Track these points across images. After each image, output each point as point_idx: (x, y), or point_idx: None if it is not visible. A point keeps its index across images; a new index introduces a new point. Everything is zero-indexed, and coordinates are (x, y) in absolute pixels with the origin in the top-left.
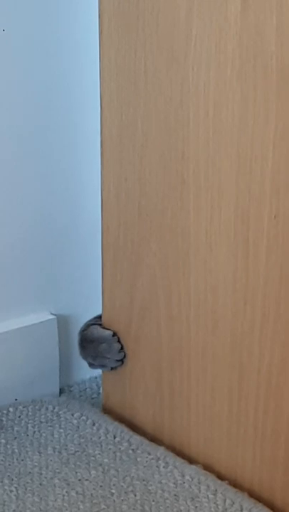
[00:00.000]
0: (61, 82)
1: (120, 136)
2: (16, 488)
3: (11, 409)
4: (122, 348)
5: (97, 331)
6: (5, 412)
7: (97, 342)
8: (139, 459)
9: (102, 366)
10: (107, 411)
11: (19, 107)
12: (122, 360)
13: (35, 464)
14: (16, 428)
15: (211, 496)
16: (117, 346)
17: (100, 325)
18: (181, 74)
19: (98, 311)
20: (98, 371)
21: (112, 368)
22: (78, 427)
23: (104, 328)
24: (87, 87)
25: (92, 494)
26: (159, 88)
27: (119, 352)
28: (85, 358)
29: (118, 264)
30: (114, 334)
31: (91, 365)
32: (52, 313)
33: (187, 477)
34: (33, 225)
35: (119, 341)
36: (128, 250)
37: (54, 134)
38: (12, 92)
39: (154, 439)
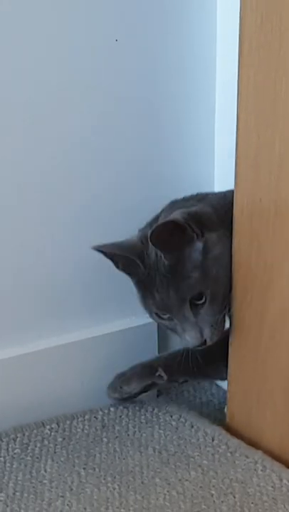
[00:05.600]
0: (192, 99)
1: (256, 157)
2: (118, 485)
3: (112, 409)
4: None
5: None
6: (106, 411)
7: None
8: (237, 462)
9: None
10: (231, 430)
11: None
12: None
13: (137, 463)
14: (117, 428)
15: None
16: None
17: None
18: None
19: None
20: None
21: None
22: (177, 429)
23: None
24: (220, 103)
25: (192, 494)
26: None
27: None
28: None
29: (249, 284)
30: None
31: None
32: None
33: (285, 481)
34: None
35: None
36: (260, 271)
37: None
38: (124, 109)
39: (281, 461)
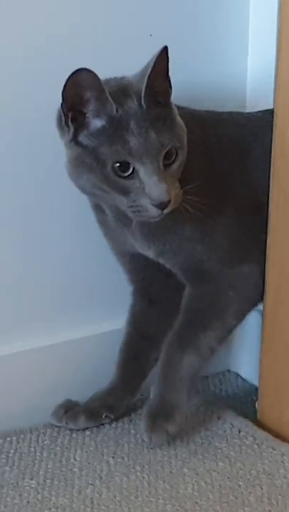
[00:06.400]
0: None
1: None
2: (147, 475)
3: (138, 404)
4: None
5: None
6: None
7: None
8: (264, 454)
9: None
10: (262, 426)
11: None
12: None
13: (165, 453)
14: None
15: None
16: None
17: None
18: None
19: None
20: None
21: None
22: (204, 421)
23: None
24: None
25: (220, 485)
26: None
27: None
28: None
29: (282, 280)
30: None
31: None
32: None
33: None
34: None
35: None
36: None
37: None
38: None
39: None
